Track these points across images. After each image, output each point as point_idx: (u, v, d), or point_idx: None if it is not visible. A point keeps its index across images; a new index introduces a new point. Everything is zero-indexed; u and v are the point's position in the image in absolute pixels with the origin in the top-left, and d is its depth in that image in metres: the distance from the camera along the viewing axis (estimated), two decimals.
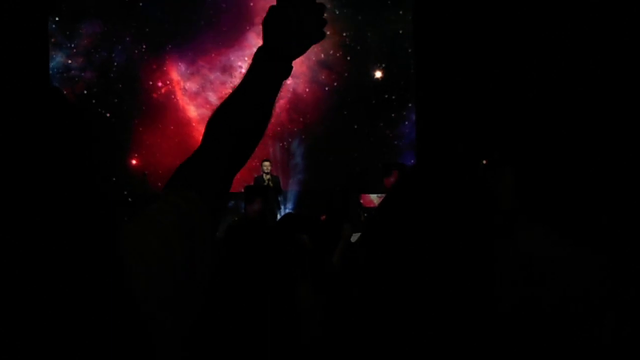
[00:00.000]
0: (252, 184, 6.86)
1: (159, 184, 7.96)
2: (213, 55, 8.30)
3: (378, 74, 8.48)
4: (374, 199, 7.20)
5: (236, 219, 5.99)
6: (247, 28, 8.32)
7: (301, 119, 8.42)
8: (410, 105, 8.15)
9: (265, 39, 0.95)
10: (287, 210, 8.00)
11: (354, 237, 3.67)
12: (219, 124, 0.93)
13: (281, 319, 1.94)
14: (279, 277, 2.03)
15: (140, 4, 7.85)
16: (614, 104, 2.02)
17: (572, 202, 1.57)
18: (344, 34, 8.35)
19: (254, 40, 8.37)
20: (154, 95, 8.25)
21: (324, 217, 3.84)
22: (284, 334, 1.93)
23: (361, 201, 7.26)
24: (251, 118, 0.94)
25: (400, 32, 8.21)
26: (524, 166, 1.77)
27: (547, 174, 1.70)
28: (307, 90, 8.44)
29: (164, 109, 8.24)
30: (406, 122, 8.30)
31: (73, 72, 7.57)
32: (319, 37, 0.96)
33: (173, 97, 8.31)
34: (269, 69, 0.95)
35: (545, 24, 2.27)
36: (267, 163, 7.24)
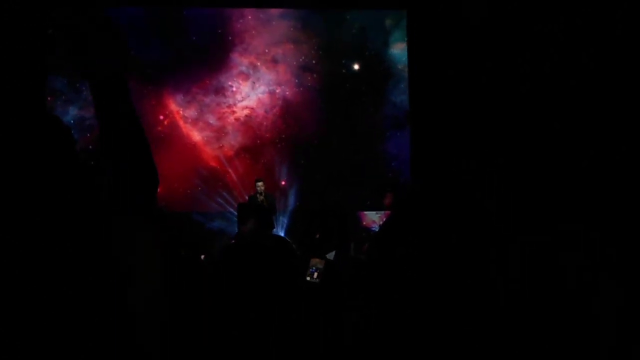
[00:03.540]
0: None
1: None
2: (205, 80, 8.97)
3: (353, 67, 9.15)
4: (375, 218, 7.20)
5: (232, 240, 5.85)
6: (230, 49, 8.99)
7: (292, 122, 9.08)
8: (387, 89, 8.84)
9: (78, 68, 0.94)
10: (282, 230, 8.19)
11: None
12: (108, 153, 0.95)
13: (283, 330, 1.96)
14: (286, 290, 2.08)
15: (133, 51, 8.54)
16: (607, 98, 1.95)
17: (566, 205, 1.50)
18: (316, 38, 9.02)
19: (238, 60, 9.05)
20: (159, 128, 8.93)
21: (317, 235, 3.77)
22: (286, 346, 1.94)
23: (364, 222, 7.36)
24: (122, 134, 0.96)
25: (358, 27, 8.88)
26: (515, 167, 1.70)
27: (540, 175, 1.64)
28: (296, 94, 9.10)
29: (170, 139, 8.89)
30: (387, 105, 8.98)
31: (88, 121, 8.34)
32: (117, 57, 0.93)
33: (176, 126, 8.97)
34: (103, 91, 0.96)
35: (538, 17, 2.22)
36: (260, 183, 6.90)
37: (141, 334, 0.76)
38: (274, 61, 9.14)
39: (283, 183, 8.83)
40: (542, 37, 2.19)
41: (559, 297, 1.33)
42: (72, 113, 8.33)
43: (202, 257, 3.64)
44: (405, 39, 8.53)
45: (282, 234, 8.08)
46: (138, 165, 0.98)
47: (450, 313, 1.40)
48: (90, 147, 8.14)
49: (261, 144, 9.03)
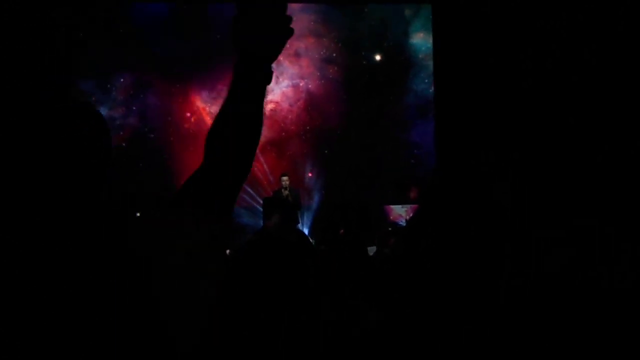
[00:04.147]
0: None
1: None
2: (230, 77, 9.07)
3: (374, 58, 9.21)
4: (402, 212, 7.22)
5: (255, 233, 5.96)
6: None
7: (316, 114, 9.14)
8: (408, 79, 8.79)
9: (237, 48, 0.95)
10: (306, 225, 8.27)
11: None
12: (215, 140, 0.94)
13: (300, 328, 1.92)
14: (298, 289, 2.04)
15: (157, 49, 8.72)
16: (610, 94, 1.95)
17: (581, 200, 1.50)
18: (336, 31, 9.03)
19: None
20: (186, 125, 9.11)
21: (342, 231, 4.00)
22: (302, 344, 1.90)
23: (390, 217, 7.30)
24: (243, 128, 0.94)
25: (377, 18, 8.85)
26: (530, 162, 1.71)
27: (555, 170, 1.64)
28: (319, 87, 9.14)
29: (197, 135, 9.06)
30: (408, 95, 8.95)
31: (117, 121, 8.60)
32: (286, 33, 0.93)
33: (202, 122, 9.13)
34: (249, 78, 0.95)
35: (540, 13, 2.23)
36: (285, 178, 6.96)
37: (168, 330, 0.75)
38: (297, 55, 9.19)
39: (310, 174, 8.90)
40: (544, 32, 2.17)
41: (574, 292, 1.33)
42: (103, 113, 8.59)
43: (227, 251, 3.73)
44: (425, 28, 8.46)
45: (306, 229, 8.15)
46: (243, 156, 0.94)
47: (464, 309, 1.41)
48: (124, 144, 8.39)
49: (287, 136, 9.12)
